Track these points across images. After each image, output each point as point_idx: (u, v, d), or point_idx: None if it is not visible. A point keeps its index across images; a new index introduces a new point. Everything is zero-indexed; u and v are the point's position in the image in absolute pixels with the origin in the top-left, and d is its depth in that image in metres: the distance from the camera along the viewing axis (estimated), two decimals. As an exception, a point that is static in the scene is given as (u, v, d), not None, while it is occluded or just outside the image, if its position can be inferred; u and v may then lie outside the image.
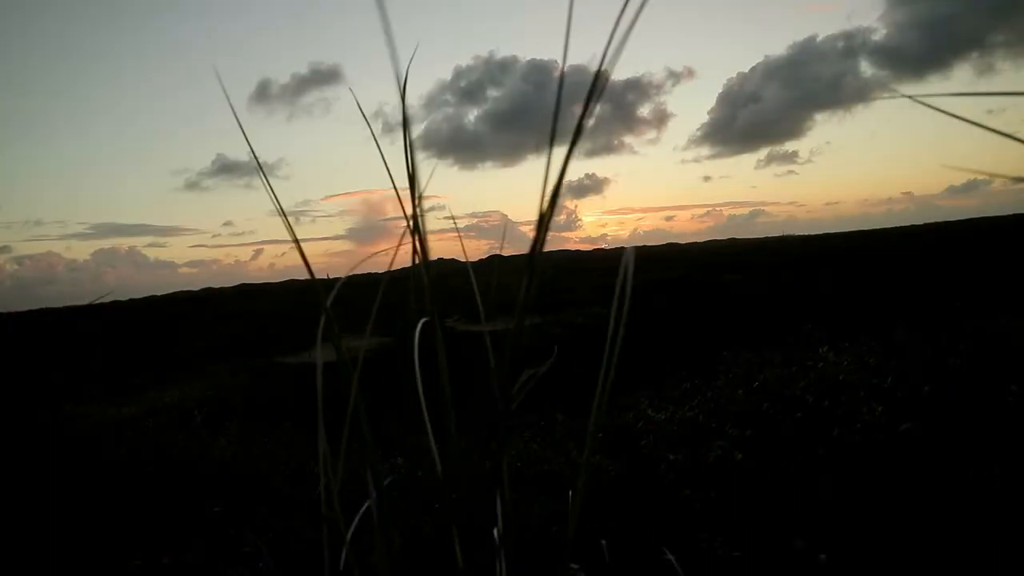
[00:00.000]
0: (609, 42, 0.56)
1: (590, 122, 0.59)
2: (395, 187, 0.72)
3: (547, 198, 0.60)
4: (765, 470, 3.84)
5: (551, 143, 0.59)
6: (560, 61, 0.61)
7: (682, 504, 3.67)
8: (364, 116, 0.84)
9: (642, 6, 0.54)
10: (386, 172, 0.74)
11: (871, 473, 3.50)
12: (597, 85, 0.57)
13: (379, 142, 0.79)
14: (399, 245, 0.76)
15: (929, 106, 0.53)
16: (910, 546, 2.82)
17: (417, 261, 0.71)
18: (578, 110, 0.60)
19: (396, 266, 0.88)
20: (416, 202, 0.69)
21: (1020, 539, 2.61)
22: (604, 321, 0.62)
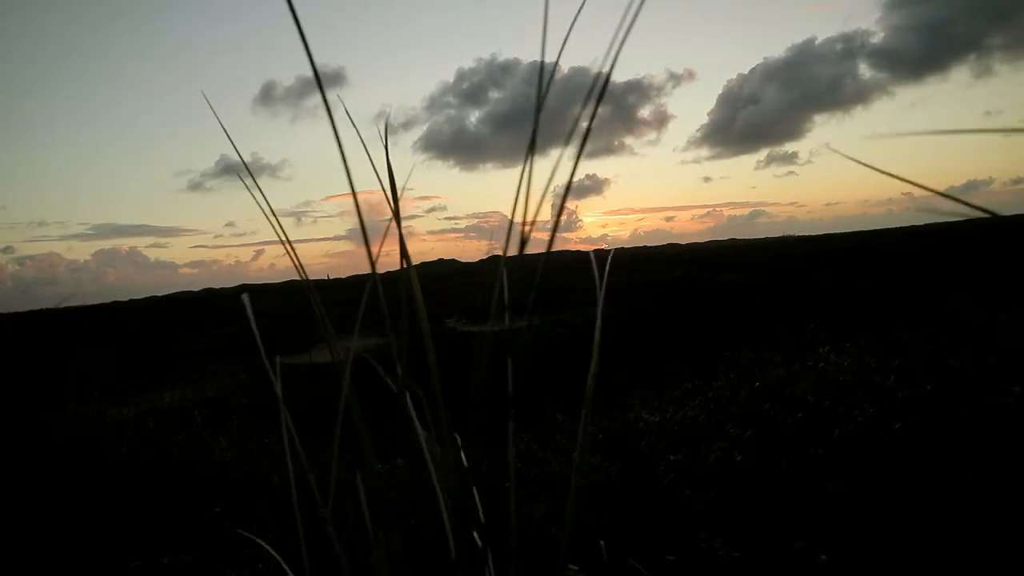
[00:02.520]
0: (610, 50, 0.56)
1: (584, 124, 0.59)
2: (383, 189, 0.72)
3: (519, 203, 0.60)
4: (765, 470, 3.84)
5: (530, 152, 0.59)
6: (562, 64, 0.61)
7: (682, 504, 3.67)
8: (355, 127, 0.84)
9: (627, 9, 0.54)
10: (387, 174, 0.74)
11: (872, 473, 3.50)
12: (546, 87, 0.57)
13: (382, 143, 0.79)
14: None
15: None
16: (911, 546, 2.82)
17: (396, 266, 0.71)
18: (576, 111, 0.60)
19: (393, 267, 0.88)
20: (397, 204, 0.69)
21: (1020, 539, 2.61)
22: (605, 322, 0.62)
